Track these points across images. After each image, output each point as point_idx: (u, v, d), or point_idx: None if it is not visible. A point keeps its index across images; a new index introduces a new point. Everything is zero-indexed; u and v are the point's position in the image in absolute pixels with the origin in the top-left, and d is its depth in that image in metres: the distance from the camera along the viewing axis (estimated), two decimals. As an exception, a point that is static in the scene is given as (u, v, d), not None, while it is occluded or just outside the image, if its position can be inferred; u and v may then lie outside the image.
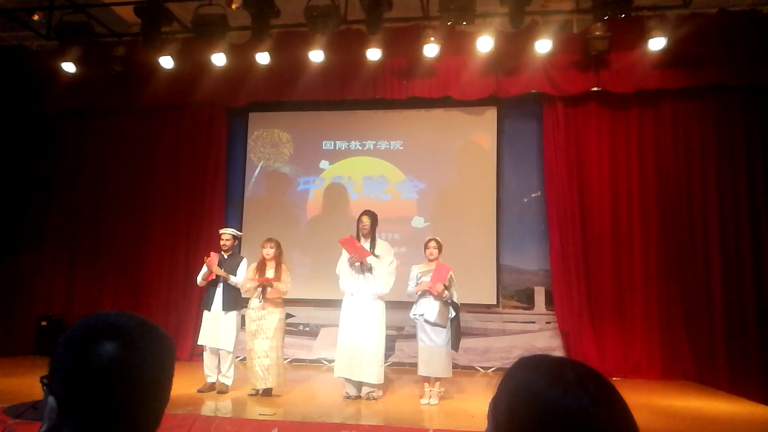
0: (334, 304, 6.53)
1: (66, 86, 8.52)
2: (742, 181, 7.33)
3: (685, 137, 7.62)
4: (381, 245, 5.87)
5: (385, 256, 5.79)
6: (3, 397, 5.12)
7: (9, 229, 8.95)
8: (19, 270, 8.83)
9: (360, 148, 8.63)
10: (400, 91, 8.05)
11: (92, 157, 9.01)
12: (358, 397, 5.64)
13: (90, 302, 8.70)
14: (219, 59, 7.83)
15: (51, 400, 0.85)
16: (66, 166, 9.08)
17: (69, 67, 8.18)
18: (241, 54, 7.96)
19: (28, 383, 5.99)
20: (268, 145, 8.86)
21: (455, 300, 5.62)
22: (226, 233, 6.27)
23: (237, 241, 6.41)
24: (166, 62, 7.93)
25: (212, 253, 6.12)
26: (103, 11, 8.03)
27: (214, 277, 5.99)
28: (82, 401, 0.83)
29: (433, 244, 5.82)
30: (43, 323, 8.58)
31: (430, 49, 7.41)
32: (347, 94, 8.15)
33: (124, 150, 8.90)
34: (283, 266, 5.89)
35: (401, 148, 8.54)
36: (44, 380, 0.89)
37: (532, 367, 0.87)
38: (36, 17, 8.10)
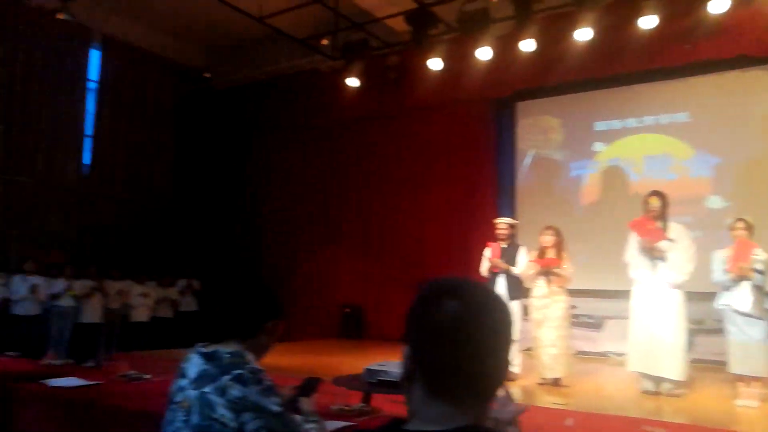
0: (617, 294, 6.14)
1: (349, 99, 9.55)
2: None
3: None
4: (675, 228, 5.31)
5: (681, 240, 5.21)
6: (326, 371, 5.93)
7: (314, 228, 10.37)
8: (323, 263, 10.15)
9: (638, 125, 7.98)
10: (680, 56, 7.24)
11: (376, 161, 9.92)
12: (658, 393, 5.20)
13: (382, 293, 9.60)
14: (484, 53, 7.96)
15: (407, 349, 0.93)
16: (350, 170, 10.17)
17: (352, 81, 9.14)
18: (504, 45, 7.99)
19: (338, 360, 6.85)
20: (537, 132, 8.72)
21: (760, 271, 4.80)
22: (503, 223, 6.32)
23: (513, 230, 6.42)
24: (435, 64, 8.34)
25: (490, 244, 6.22)
26: (378, 26, 8.79)
27: (497, 270, 6.08)
28: (427, 351, 0.90)
29: (740, 224, 5.06)
30: (347, 310, 9.74)
31: (717, 4, 6.48)
32: (619, 68, 7.62)
33: (402, 151, 9.62)
34: (564, 254, 5.73)
35: (688, 120, 7.66)
36: (400, 339, 0.98)
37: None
38: (324, 42, 9.25)
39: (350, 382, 3.13)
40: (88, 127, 10.73)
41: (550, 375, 5.57)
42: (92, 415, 2.96)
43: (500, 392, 1.25)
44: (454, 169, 9.11)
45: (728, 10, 6.57)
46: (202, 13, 9.83)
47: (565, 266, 5.64)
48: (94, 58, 10.85)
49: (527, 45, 7.68)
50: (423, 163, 9.42)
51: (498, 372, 0.93)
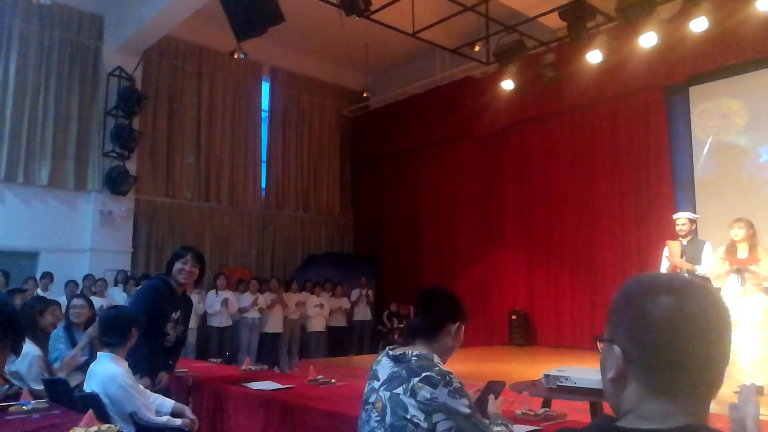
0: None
1: (505, 103, 9.46)
2: None
3: None
4: None
5: None
6: (497, 377, 5.91)
7: (477, 234, 10.38)
8: (488, 270, 10.11)
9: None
10: None
11: (535, 163, 9.71)
12: None
13: (549, 298, 9.33)
14: (649, 39, 7.48)
15: (616, 348, 0.93)
16: (512, 173, 10.03)
17: (507, 84, 9.05)
18: (672, 27, 7.46)
19: (508, 367, 6.78)
20: (716, 117, 7.96)
21: None
22: (682, 218, 5.86)
23: (694, 225, 5.93)
24: (594, 57, 8.00)
25: (668, 242, 5.80)
26: (531, 25, 8.63)
27: (678, 270, 5.65)
28: (646, 347, 0.90)
29: None
30: (513, 317, 9.60)
31: None
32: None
33: (564, 151, 9.32)
34: (759, 248, 5.16)
35: None
36: (598, 338, 0.99)
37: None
38: (477, 48, 9.27)
39: (529, 387, 3.11)
40: (263, 154, 11.76)
41: (752, 383, 5.04)
42: (291, 415, 3.25)
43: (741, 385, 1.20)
44: (624, 165, 8.63)
45: None
46: (360, 36, 10.35)
47: (761, 262, 5.08)
48: (265, 89, 11.89)
49: (698, 24, 7.10)
50: (588, 160, 9.04)
51: (719, 370, 0.91)
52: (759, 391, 5.05)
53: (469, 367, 6.61)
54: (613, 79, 8.32)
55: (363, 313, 10.25)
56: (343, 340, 9.92)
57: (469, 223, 10.48)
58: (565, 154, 9.30)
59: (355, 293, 10.29)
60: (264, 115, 11.87)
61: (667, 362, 0.89)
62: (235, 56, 8.49)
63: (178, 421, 2.95)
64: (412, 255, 11.16)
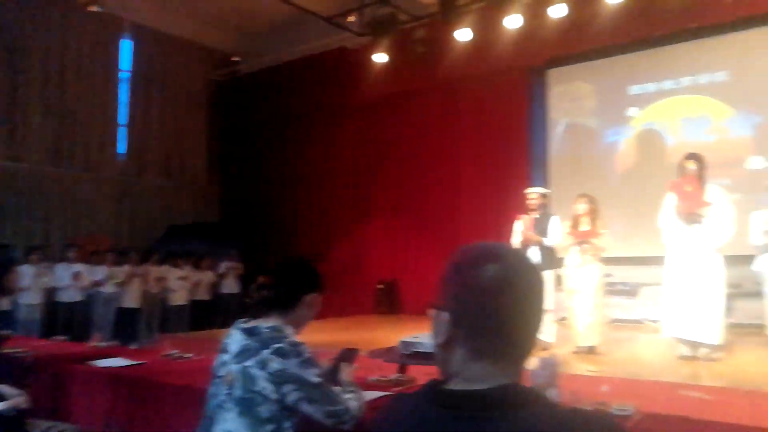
0: (653, 261, 6.04)
1: (378, 75, 9.50)
2: None
3: None
4: (713, 191, 5.18)
5: (720, 203, 5.10)
6: (362, 345, 6.03)
7: (347, 206, 10.44)
8: (357, 241, 10.24)
9: (675, 86, 7.77)
10: (721, 12, 6.97)
11: (408, 137, 9.89)
12: (695, 357, 5.14)
13: (416, 267, 9.65)
14: (514, 21, 7.82)
15: (444, 314, 0.97)
16: (382, 146, 10.17)
17: (380, 57, 9.09)
18: (534, 11, 7.84)
19: (373, 335, 6.95)
20: (570, 99, 8.58)
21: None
22: (533, 193, 6.27)
23: (545, 200, 6.37)
24: (464, 35, 8.23)
25: (520, 216, 6.17)
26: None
27: (528, 244, 6.05)
28: (471, 314, 0.94)
29: (780, 184, 4.93)
30: (380, 286, 9.83)
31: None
32: (654, 29, 7.41)
33: (434, 126, 9.56)
34: (599, 222, 5.67)
35: (727, 78, 7.41)
36: (432, 307, 1.02)
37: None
38: (351, 18, 9.21)
39: (385, 354, 3.20)
40: (122, 117, 10.95)
41: (585, 343, 5.56)
42: (139, 392, 3.09)
43: (542, 356, 1.29)
44: (487, 141, 9.04)
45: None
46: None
47: (601, 234, 5.58)
48: (126, 47, 11.03)
49: (557, 10, 7.53)
50: (454, 136, 9.37)
51: (533, 333, 0.97)
52: (591, 350, 5.58)
53: (333, 336, 6.69)
54: (480, 58, 8.62)
55: (231, 285, 10.00)
56: (209, 314, 9.63)
57: (343, 195, 10.52)
58: (434, 128, 9.57)
59: (223, 265, 10.00)
60: (125, 75, 11.03)
61: (490, 327, 0.94)
62: (92, 9, 7.75)
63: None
64: (285, 226, 11.03)
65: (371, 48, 9.16)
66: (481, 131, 9.10)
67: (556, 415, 0.87)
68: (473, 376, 0.93)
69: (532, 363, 1.21)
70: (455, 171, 9.29)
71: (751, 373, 4.72)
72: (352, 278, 9.96)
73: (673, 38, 7.58)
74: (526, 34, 8.05)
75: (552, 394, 1.15)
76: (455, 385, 0.94)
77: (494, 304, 0.93)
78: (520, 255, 1.00)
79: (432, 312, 1.00)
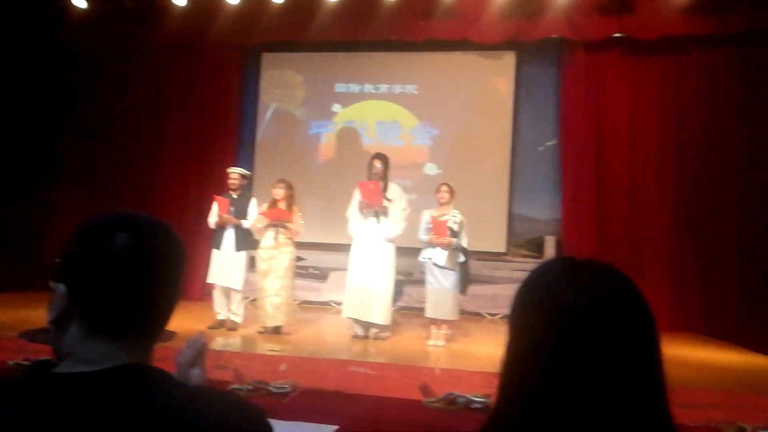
0: (343, 248, 6.53)
1: (80, 25, 8.37)
2: (764, 136, 7.14)
3: (709, 88, 7.41)
4: (393, 189, 5.83)
5: (397, 201, 5.75)
6: (20, 326, 5.23)
7: (19, 169, 8.94)
8: (32, 211, 8.85)
9: (374, 91, 8.48)
10: (416, 32, 7.85)
11: (105, 97, 8.90)
12: (366, 337, 5.72)
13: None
14: (232, -4, 7.65)
15: (61, 287, 0.85)
16: (79, 105, 9.01)
17: (79, 2, 8.02)
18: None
19: (35, 315, 6.11)
20: (281, 86, 8.73)
21: (465, 245, 5.61)
22: (235, 172, 6.25)
23: (246, 181, 6.40)
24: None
25: (217, 198, 6.09)
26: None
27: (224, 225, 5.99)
28: (91, 286, 0.84)
29: (444, 188, 5.77)
30: (58, 260, 8.67)
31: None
32: (362, 35, 7.96)
33: (137, 90, 8.79)
34: (295, 207, 5.89)
35: (416, 92, 8.38)
36: (51, 280, 0.89)
37: (548, 268, 0.84)
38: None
39: (34, 335, 2.81)
40: None
41: (272, 323, 5.74)
42: None
43: (192, 336, 1.21)
44: (197, 116, 8.64)
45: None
46: None
47: (294, 219, 5.79)
48: None
49: (277, -5, 7.59)
50: (162, 105, 8.73)
51: (166, 308, 0.89)
52: (277, 330, 5.77)
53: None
54: (195, 27, 8.20)
55: None
56: None
57: (26, 161, 8.91)
58: (140, 95, 8.79)
59: None
60: None
61: (112, 302, 0.83)
62: None
63: None
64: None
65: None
66: (191, 104, 8.68)
67: (179, 396, 0.82)
68: (88, 357, 0.82)
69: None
70: (158, 142, 8.69)
71: (409, 350, 5.42)
72: (33, 251, 8.61)
73: (378, 47, 8.26)
74: (246, 12, 7.94)
75: (195, 374, 1.10)
76: (66, 368, 0.82)
77: (119, 276, 0.84)
78: (156, 225, 0.91)
79: (51, 285, 0.87)
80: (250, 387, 1.98)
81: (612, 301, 0.77)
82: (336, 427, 1.84)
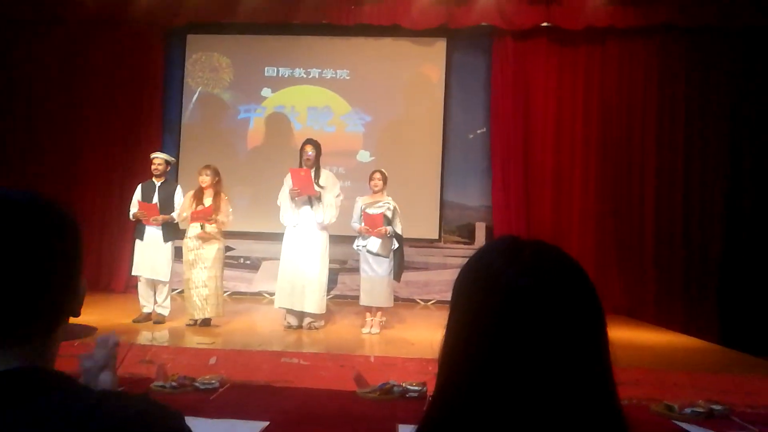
0: (275, 237, 6.39)
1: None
2: (681, 121, 7.52)
3: (629, 77, 7.71)
4: (326, 176, 5.73)
5: (330, 187, 5.66)
6: None
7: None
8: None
9: (304, 76, 8.31)
10: (348, 16, 7.74)
11: (18, 73, 8.28)
12: (299, 327, 5.62)
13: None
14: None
15: None
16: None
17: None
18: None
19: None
20: (207, 69, 8.40)
21: (399, 232, 5.59)
22: (159, 157, 5.97)
23: (170, 167, 6.13)
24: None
25: (140, 184, 5.83)
26: None
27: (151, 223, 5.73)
28: None
29: (378, 175, 5.72)
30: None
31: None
32: (292, 18, 7.77)
33: (53, 66, 8.20)
34: (222, 195, 5.68)
35: (348, 78, 8.27)
36: None
37: (489, 248, 0.81)
38: None
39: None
40: None
41: (201, 315, 5.54)
42: None
43: (104, 335, 1.09)
44: (117, 97, 8.18)
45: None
46: None
47: (222, 209, 5.57)
48: None
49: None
50: (80, 86, 8.19)
51: (56, 300, 0.77)
52: (206, 322, 5.59)
53: None
54: (118, 3, 7.78)
55: None
56: None
57: None
58: (54, 70, 8.20)
59: None
60: None
61: None
62: None
63: None
64: None
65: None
66: (112, 86, 8.20)
67: (83, 400, 0.72)
68: None
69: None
70: (78, 124, 8.17)
71: (344, 339, 5.37)
72: None
73: (308, 30, 8.08)
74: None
75: (105, 378, 0.98)
76: None
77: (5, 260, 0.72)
78: (51, 206, 0.78)
79: None
80: (174, 384, 1.87)
81: (554, 281, 0.74)
82: (266, 423, 1.76)
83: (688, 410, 2.00)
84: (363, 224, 5.53)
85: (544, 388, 0.70)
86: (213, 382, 2.02)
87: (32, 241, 0.74)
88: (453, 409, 0.73)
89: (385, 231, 5.42)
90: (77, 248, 0.80)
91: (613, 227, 7.66)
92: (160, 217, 5.67)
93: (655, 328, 6.63)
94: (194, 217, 5.47)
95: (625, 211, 7.64)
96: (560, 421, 0.70)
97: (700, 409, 2.03)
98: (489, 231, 7.99)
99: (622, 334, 6.13)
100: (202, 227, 5.50)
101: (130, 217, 5.86)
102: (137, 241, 5.84)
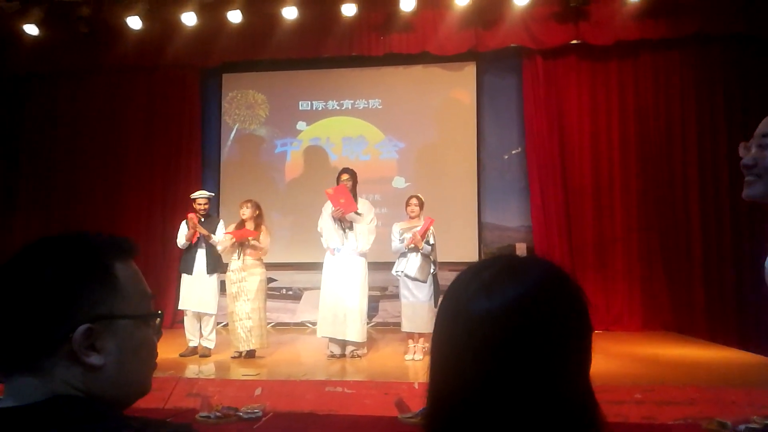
0: (316, 266, 6.45)
1: (31, 48, 8.19)
2: (722, 132, 7.33)
3: (666, 89, 7.59)
4: (362, 203, 5.79)
5: (366, 214, 5.71)
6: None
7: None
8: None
9: (338, 107, 8.46)
10: (377, 47, 7.87)
11: (63, 121, 8.70)
12: (343, 355, 5.63)
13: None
14: (189, 18, 7.58)
15: None
16: (36, 130, 8.78)
17: (31, 29, 7.86)
18: (212, 12, 7.70)
19: None
20: (243, 106, 8.65)
21: (431, 244, 5.57)
22: (202, 197, 6.14)
23: (208, 204, 6.29)
24: (134, 23, 7.67)
25: (190, 215, 6.00)
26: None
27: (196, 238, 5.89)
28: None
29: (414, 201, 5.75)
30: None
31: (407, 3, 7.23)
32: (323, 51, 7.95)
33: (94, 113, 8.60)
34: (263, 227, 5.80)
35: (380, 106, 8.38)
36: None
37: (465, 269, 0.77)
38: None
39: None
40: None
41: (245, 347, 5.61)
42: None
43: None
44: (157, 138, 8.50)
45: (416, 10, 7.36)
46: None
47: (261, 238, 5.70)
48: None
49: (234, 16, 7.55)
50: (122, 128, 8.56)
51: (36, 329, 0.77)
52: (251, 354, 5.65)
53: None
54: (152, 49, 8.10)
55: None
56: None
57: None
58: (95, 116, 8.58)
59: None
60: None
61: None
62: None
63: None
64: None
65: (21, 16, 7.82)
66: (152, 128, 8.53)
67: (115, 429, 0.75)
68: (15, 392, 0.77)
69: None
70: (120, 166, 8.50)
71: (387, 366, 5.35)
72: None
73: (339, 63, 8.26)
74: (204, 33, 7.87)
75: None
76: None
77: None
78: (34, 247, 0.83)
79: None
80: (218, 414, 1.90)
81: (510, 302, 0.69)
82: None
83: (742, 427, 1.93)
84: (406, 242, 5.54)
85: (516, 412, 0.68)
86: (256, 411, 2.04)
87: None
88: None
89: (420, 239, 5.42)
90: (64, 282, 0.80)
91: (659, 241, 7.47)
92: (204, 231, 5.82)
93: (708, 344, 6.39)
94: (237, 235, 5.59)
95: (671, 226, 7.45)
96: None
97: (756, 425, 1.95)
98: (530, 251, 7.87)
99: (673, 351, 5.95)
100: (241, 255, 5.61)
101: (180, 244, 5.99)
102: (183, 276, 5.98)
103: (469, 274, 0.75)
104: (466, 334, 0.70)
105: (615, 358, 5.31)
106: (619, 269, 7.52)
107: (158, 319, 0.90)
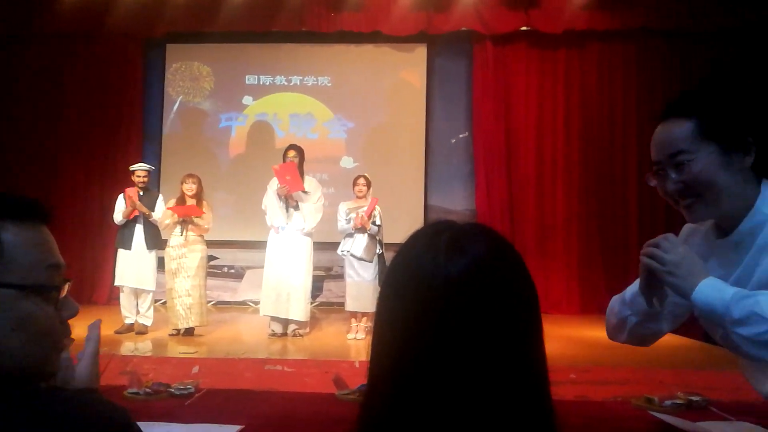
0: (259, 245, 6.34)
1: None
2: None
3: (609, 80, 7.79)
4: (309, 181, 5.72)
5: (313, 192, 5.64)
6: None
7: None
8: None
9: (286, 83, 8.29)
10: (328, 24, 7.74)
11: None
12: (284, 334, 5.57)
13: None
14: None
15: None
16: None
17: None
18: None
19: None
20: (187, 78, 8.36)
21: (378, 225, 5.56)
22: (142, 169, 5.92)
23: (150, 176, 6.08)
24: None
25: (128, 189, 5.78)
26: None
27: (136, 214, 5.68)
28: None
29: (362, 180, 5.71)
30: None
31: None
32: (272, 25, 7.76)
33: (31, 80, 8.13)
34: (205, 203, 5.65)
35: (330, 84, 8.26)
36: None
37: (414, 234, 0.74)
38: None
39: None
40: None
41: (184, 325, 5.48)
42: None
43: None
44: (97, 108, 8.12)
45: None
46: None
47: (204, 215, 5.56)
48: None
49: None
50: (59, 98, 8.12)
51: None
52: (189, 331, 5.53)
53: None
54: (93, 16, 7.67)
55: None
56: None
57: None
58: (32, 83, 8.11)
59: None
60: None
61: None
62: None
63: None
64: None
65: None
66: (92, 98, 8.14)
67: (30, 402, 0.70)
68: None
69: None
70: (57, 137, 8.09)
71: (329, 345, 5.33)
72: None
73: (288, 38, 8.07)
74: (148, 1, 7.56)
75: (83, 370, 0.94)
76: None
77: None
78: None
79: None
80: (148, 390, 1.84)
81: (467, 268, 0.66)
82: (241, 426, 1.72)
83: (668, 402, 2.03)
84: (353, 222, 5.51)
85: (469, 385, 0.64)
86: (189, 387, 1.99)
87: None
88: (378, 414, 0.68)
89: (367, 222, 5.41)
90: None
91: (597, 228, 7.70)
92: (145, 209, 5.62)
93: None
94: (180, 211, 5.43)
95: (609, 214, 7.69)
96: (482, 421, 0.64)
97: (680, 401, 2.06)
98: (474, 235, 7.98)
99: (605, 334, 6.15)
100: (183, 232, 5.45)
101: (117, 221, 5.78)
102: (120, 252, 5.77)
103: (422, 242, 0.71)
104: (418, 301, 0.66)
105: (553, 340, 5.44)
106: (558, 255, 7.71)
107: (58, 291, 0.82)
